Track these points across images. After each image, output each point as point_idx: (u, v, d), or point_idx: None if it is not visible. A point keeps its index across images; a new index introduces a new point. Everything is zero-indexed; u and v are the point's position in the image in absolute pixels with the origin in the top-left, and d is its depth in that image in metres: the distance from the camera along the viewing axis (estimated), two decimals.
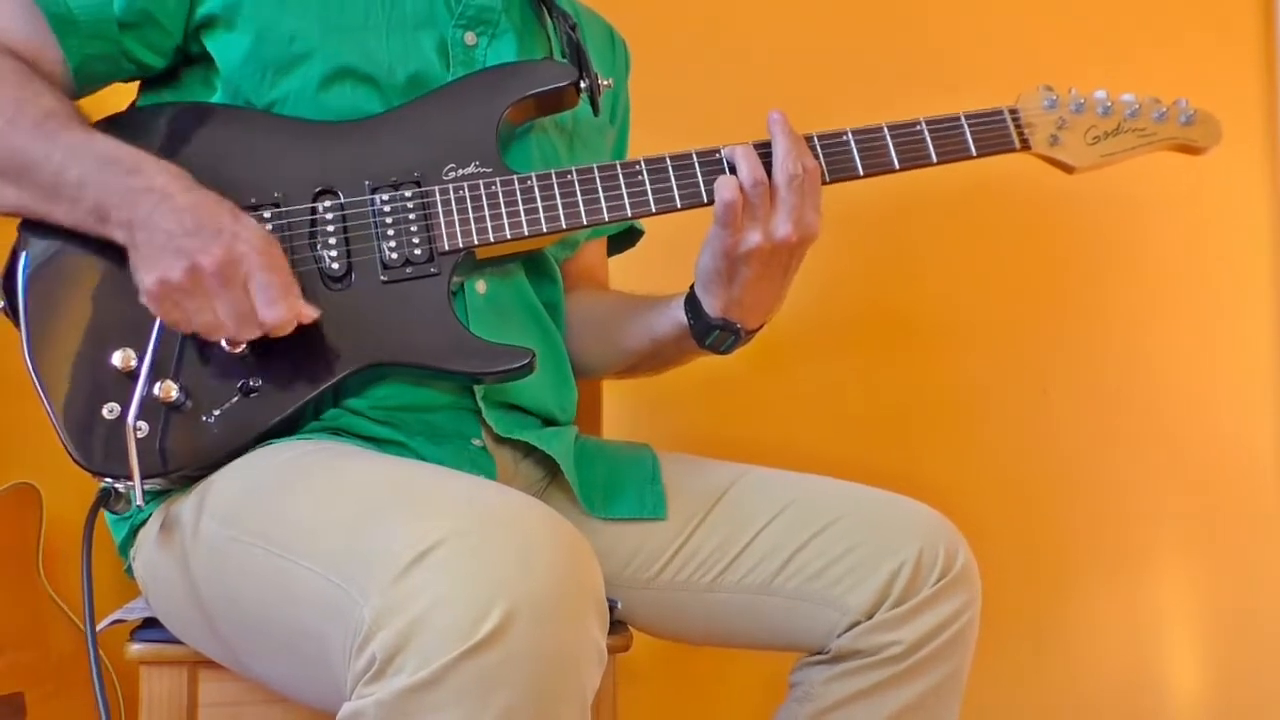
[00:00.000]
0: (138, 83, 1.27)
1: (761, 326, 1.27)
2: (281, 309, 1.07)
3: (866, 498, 1.27)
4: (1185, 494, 1.99)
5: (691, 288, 1.26)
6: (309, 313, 1.10)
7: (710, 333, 1.25)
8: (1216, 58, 2.00)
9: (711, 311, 1.23)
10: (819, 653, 1.23)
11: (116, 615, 1.26)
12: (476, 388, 1.21)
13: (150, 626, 1.21)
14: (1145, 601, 1.99)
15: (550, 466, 1.28)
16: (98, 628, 1.24)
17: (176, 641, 1.18)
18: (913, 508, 1.26)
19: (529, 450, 1.27)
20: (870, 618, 1.19)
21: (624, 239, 1.54)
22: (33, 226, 1.15)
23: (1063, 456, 1.98)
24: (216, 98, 1.20)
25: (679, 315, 1.27)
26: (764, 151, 1.20)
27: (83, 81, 1.20)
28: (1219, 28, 2.02)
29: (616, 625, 1.27)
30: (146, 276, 1.07)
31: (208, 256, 1.05)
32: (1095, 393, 1.99)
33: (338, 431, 1.16)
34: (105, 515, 1.20)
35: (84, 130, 1.12)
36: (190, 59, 1.23)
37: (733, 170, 1.19)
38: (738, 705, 1.87)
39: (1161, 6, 2.02)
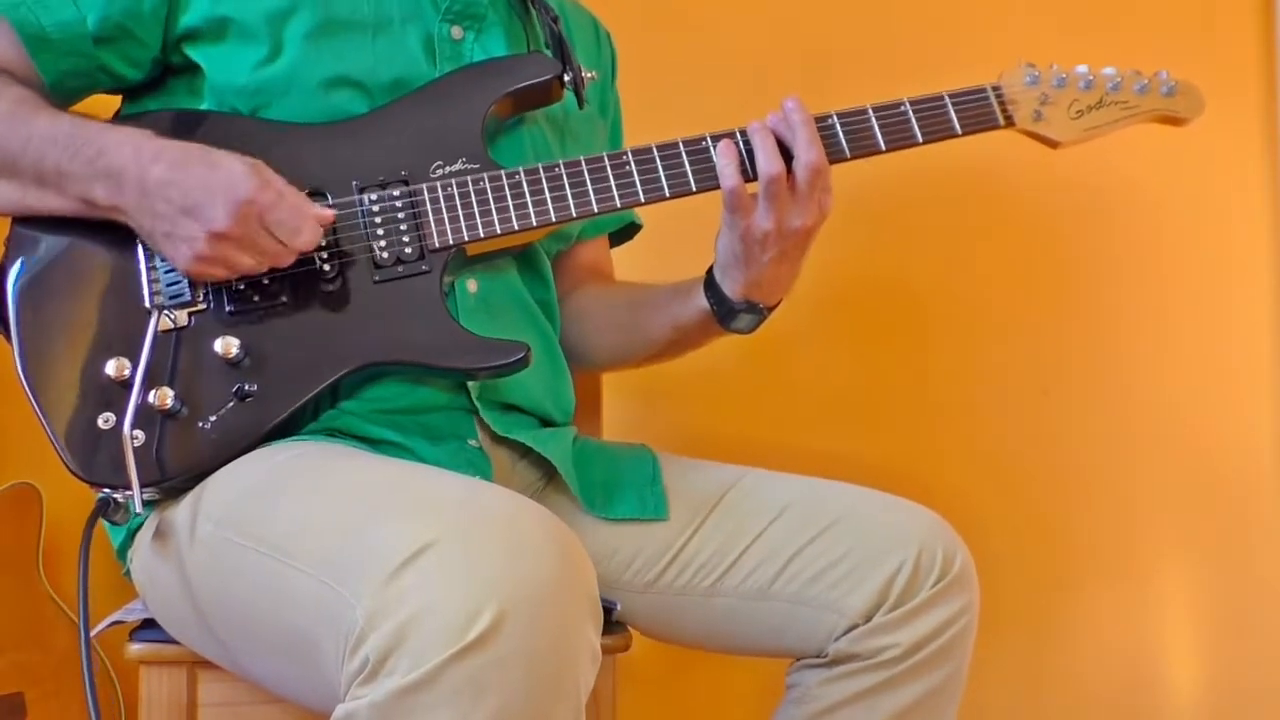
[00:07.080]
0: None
1: (780, 301, 1.29)
2: (306, 235, 1.12)
3: (865, 500, 1.26)
4: (1185, 494, 1.98)
5: (709, 272, 1.27)
6: (327, 214, 1.14)
7: (735, 315, 1.26)
8: (1217, 56, 1.98)
9: (733, 294, 1.25)
10: (816, 656, 1.22)
11: (116, 616, 1.26)
12: (471, 386, 1.21)
13: (149, 627, 1.21)
14: (1144, 602, 1.98)
15: (548, 468, 1.28)
16: (97, 629, 1.26)
17: (176, 642, 1.18)
18: (911, 510, 1.25)
19: (526, 451, 1.26)
20: (868, 621, 1.18)
21: (622, 233, 1.54)
22: (20, 237, 1.15)
23: (1063, 457, 1.97)
24: (204, 105, 1.20)
25: (702, 301, 1.28)
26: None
27: (59, 96, 1.19)
28: (1219, 23, 2.00)
29: (615, 626, 1.27)
30: (178, 263, 1.11)
31: (217, 223, 1.08)
32: (1095, 393, 1.98)
33: (334, 433, 1.16)
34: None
35: (49, 115, 1.13)
36: (174, 68, 1.23)
37: (750, 157, 1.20)
38: (736, 705, 1.86)
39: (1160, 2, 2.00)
